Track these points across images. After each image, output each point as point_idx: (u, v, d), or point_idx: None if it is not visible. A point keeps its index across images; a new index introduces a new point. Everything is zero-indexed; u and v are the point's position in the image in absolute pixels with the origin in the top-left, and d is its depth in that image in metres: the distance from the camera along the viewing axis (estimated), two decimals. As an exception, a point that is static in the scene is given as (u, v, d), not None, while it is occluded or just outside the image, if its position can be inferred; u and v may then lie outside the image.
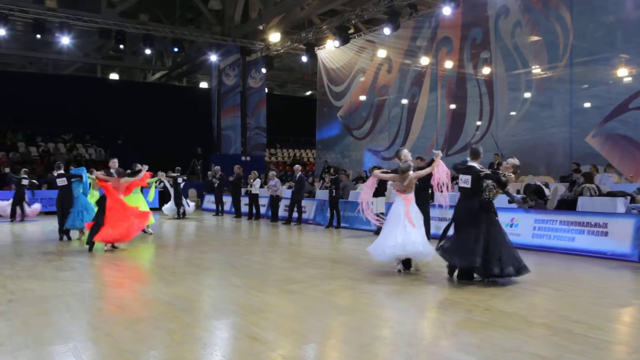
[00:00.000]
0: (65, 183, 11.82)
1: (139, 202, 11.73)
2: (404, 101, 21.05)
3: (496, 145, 16.50)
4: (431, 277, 7.48)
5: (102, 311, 5.66)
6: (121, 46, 22.93)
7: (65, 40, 20.78)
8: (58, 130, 28.08)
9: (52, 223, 16.25)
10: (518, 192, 11.51)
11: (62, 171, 12.16)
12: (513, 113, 16.96)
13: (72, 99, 26.97)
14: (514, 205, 10.13)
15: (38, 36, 20.52)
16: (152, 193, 15.82)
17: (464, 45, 18.34)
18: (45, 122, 27.24)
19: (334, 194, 14.57)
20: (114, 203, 9.79)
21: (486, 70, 17.77)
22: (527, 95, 16.63)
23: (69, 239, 11.77)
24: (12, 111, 25.89)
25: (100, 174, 10.57)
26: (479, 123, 17.97)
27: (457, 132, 18.60)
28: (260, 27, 24.62)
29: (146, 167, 11.11)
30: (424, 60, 20.12)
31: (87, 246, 9.90)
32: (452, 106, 18.99)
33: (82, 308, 5.79)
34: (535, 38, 16.28)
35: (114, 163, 11.26)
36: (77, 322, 5.22)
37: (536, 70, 16.38)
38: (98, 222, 9.69)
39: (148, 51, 23.50)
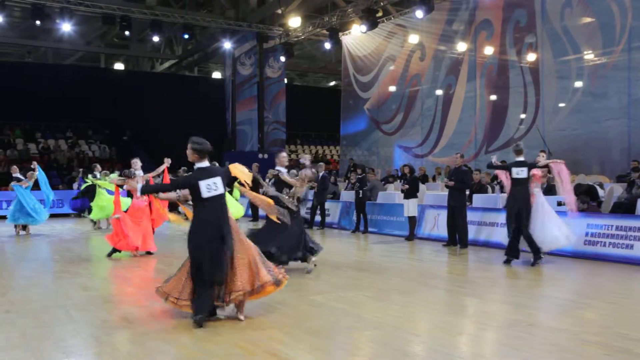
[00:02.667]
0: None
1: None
2: (439, 92, 20.93)
3: (543, 141, 16.29)
4: (469, 287, 7.43)
5: (107, 323, 5.74)
6: (126, 33, 23.22)
7: (66, 27, 21.12)
8: (59, 126, 28.58)
9: (53, 227, 16.56)
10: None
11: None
12: (562, 104, 16.73)
13: (73, 91, 27.40)
14: (564, 208, 10.00)
15: (37, 23, 20.86)
16: None
17: (506, 28, 18.15)
18: (45, 117, 27.74)
19: (360, 196, 14.54)
20: (129, 208, 10.12)
21: (531, 57, 17.56)
22: (578, 84, 16.39)
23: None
24: (10, 105, 26.41)
25: (116, 179, 10.71)
26: (523, 116, 17.77)
27: (498, 126, 18.42)
28: (279, 11, 24.70)
29: (168, 162, 11.03)
30: (461, 46, 19.98)
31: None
32: (493, 97, 18.81)
33: (86, 319, 5.88)
34: (588, 19, 16.03)
35: (136, 163, 11.44)
36: (80, 334, 5.31)
37: (589, 56, 16.14)
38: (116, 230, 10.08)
39: (156, 38, 23.75)
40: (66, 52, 31.68)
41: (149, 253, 10.44)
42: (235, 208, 14.80)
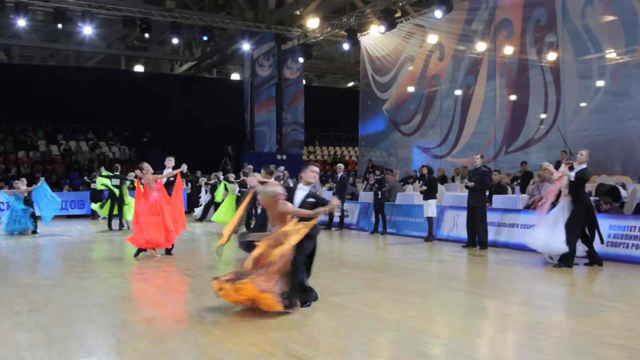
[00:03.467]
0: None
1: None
2: (458, 92, 20.80)
3: (564, 141, 16.12)
4: (489, 289, 7.38)
5: (128, 323, 5.79)
6: (146, 35, 23.44)
7: (87, 30, 21.40)
8: (80, 127, 28.94)
9: (74, 227, 16.76)
10: (590, 193, 11.21)
11: None
12: (583, 104, 16.53)
13: (94, 93, 27.73)
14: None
15: (59, 26, 21.19)
16: None
17: (526, 28, 17.99)
18: (66, 119, 28.11)
19: (379, 197, 14.51)
20: (144, 205, 10.08)
21: (552, 56, 17.38)
22: (600, 83, 16.17)
23: None
24: (33, 107, 26.82)
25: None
26: (543, 116, 17.60)
27: (518, 126, 18.26)
28: (297, 12, 24.76)
29: (184, 167, 11.01)
30: (481, 46, 19.83)
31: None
32: (513, 97, 18.65)
33: (107, 319, 5.94)
34: (610, 18, 15.82)
35: (170, 161, 11.54)
36: (101, 334, 5.37)
37: (611, 54, 15.92)
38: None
39: (175, 40, 23.93)
40: (87, 55, 32.07)
41: (168, 253, 10.47)
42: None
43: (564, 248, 8.71)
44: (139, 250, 10.23)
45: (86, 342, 5.07)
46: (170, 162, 11.08)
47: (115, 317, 6.06)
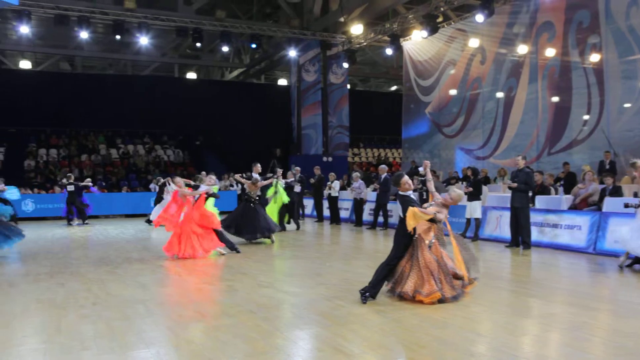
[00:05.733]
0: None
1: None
2: (500, 94, 20.42)
3: (608, 142, 15.64)
4: (533, 288, 7.22)
5: (182, 317, 5.90)
6: (198, 44, 23.90)
7: (143, 40, 21.94)
8: (137, 132, 29.66)
9: (131, 226, 17.16)
10: (635, 194, 10.84)
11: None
12: (628, 105, 15.98)
13: (150, 100, 28.41)
14: (631, 210, 9.56)
15: (118, 37, 21.79)
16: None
17: (569, 29, 17.52)
18: (124, 124, 28.86)
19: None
20: (185, 217, 10.34)
21: (595, 57, 16.87)
22: (645, 84, 15.62)
23: None
24: (94, 113, 27.65)
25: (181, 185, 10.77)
26: (586, 117, 17.10)
27: (560, 127, 17.80)
28: (342, 19, 24.78)
29: (211, 189, 11.07)
30: (522, 49, 19.42)
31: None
32: (555, 99, 18.19)
33: (163, 313, 6.07)
34: (655, 18, 15.27)
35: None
36: (158, 327, 5.49)
37: (656, 55, 15.36)
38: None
39: (225, 48, 24.28)
40: (143, 64, 32.84)
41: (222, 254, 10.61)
42: None
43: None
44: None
45: (145, 335, 5.18)
46: (210, 180, 11.26)
47: (171, 312, 6.18)
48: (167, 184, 10.75)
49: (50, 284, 7.78)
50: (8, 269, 9.18)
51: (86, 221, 18.28)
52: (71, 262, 10.07)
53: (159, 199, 17.59)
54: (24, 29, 20.55)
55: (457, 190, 6.83)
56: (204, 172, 11.74)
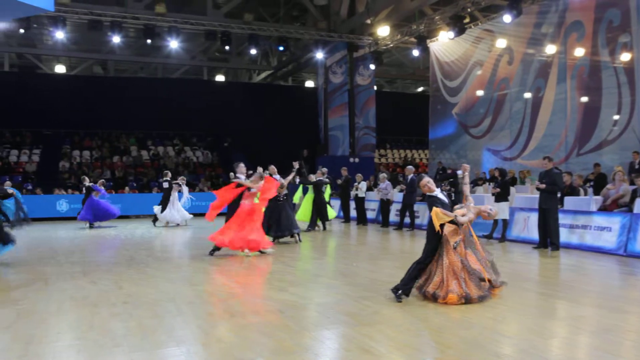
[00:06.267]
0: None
1: None
2: (527, 95, 20.15)
3: (639, 142, 15.32)
4: (562, 290, 7.10)
5: (211, 316, 5.96)
6: (227, 47, 24.08)
7: (173, 44, 22.21)
8: (167, 134, 30.04)
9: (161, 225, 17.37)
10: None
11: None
12: (660, 105, 15.64)
13: (180, 102, 28.74)
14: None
15: (148, 41, 22.11)
16: None
17: (598, 29, 17.20)
18: (155, 126, 29.24)
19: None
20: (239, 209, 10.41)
21: (625, 57, 16.53)
22: (678, 83, 15.26)
23: None
24: (126, 115, 28.08)
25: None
26: (616, 117, 16.77)
27: (590, 128, 17.48)
28: (368, 21, 24.72)
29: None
30: (550, 49, 19.12)
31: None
32: (584, 99, 17.88)
33: (193, 312, 6.13)
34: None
35: (272, 168, 12.13)
36: (188, 326, 5.55)
37: (689, 53, 14.99)
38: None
39: (253, 51, 24.42)
40: (173, 67, 33.23)
41: (262, 252, 10.68)
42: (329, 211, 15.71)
43: None
44: (216, 248, 10.49)
45: (174, 333, 5.25)
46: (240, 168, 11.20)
47: (200, 310, 6.24)
48: (180, 185, 10.93)
49: (84, 282, 7.94)
50: (44, 268, 9.38)
51: (95, 224, 17.63)
52: (103, 261, 10.25)
53: (166, 199, 17.84)
54: (59, 35, 20.99)
55: (495, 209, 6.87)
56: (260, 169, 11.60)
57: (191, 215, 17.99)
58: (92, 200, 17.46)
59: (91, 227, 17.45)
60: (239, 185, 10.55)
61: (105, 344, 4.93)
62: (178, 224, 17.61)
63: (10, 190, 10.70)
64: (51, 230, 16.60)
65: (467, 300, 6.17)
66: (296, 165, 13.33)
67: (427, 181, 6.56)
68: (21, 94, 26.88)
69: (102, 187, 18.13)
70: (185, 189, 17.96)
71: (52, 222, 18.00)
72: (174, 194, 17.65)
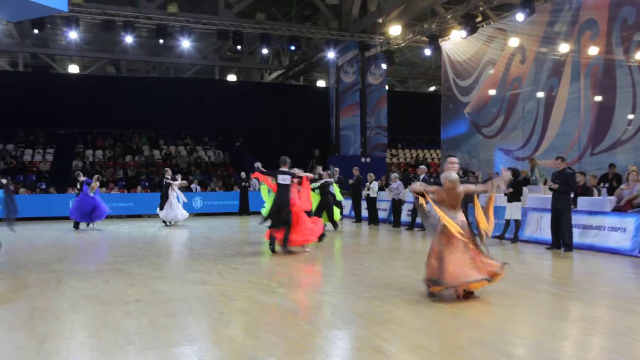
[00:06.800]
0: None
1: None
2: (540, 94, 20.01)
3: (654, 142, 15.18)
4: (575, 291, 7.05)
5: (223, 315, 5.98)
6: (238, 47, 24.19)
7: (185, 43, 22.34)
8: (179, 133, 30.17)
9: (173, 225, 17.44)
10: None
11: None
12: (675, 104, 15.48)
13: (191, 101, 28.88)
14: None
15: (161, 41, 22.23)
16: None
17: (612, 27, 17.05)
18: (167, 125, 29.38)
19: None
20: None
21: (640, 55, 16.38)
22: (693, 82, 15.09)
23: None
24: (138, 115, 28.25)
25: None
26: (631, 116, 16.61)
27: (604, 127, 17.32)
28: (380, 21, 24.69)
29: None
30: (564, 48, 18.98)
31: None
32: (598, 98, 17.73)
33: (205, 311, 6.16)
34: None
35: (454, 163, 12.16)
36: (200, 324, 5.57)
37: None
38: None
39: (265, 50, 24.49)
40: (185, 66, 33.40)
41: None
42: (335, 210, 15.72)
43: None
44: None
45: (187, 332, 5.28)
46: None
47: (212, 310, 6.26)
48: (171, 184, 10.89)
49: (97, 280, 7.99)
50: (57, 266, 9.46)
51: (91, 225, 16.82)
52: (115, 259, 10.31)
53: (164, 198, 17.76)
54: (73, 35, 21.18)
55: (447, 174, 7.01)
56: (297, 169, 11.72)
57: (187, 214, 18.03)
58: (81, 197, 16.53)
59: (76, 227, 16.74)
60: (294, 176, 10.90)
61: (118, 341, 4.97)
62: (176, 222, 17.67)
63: (4, 181, 10.24)
64: (65, 230, 16.72)
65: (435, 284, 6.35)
66: (319, 170, 13.41)
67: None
68: (35, 94, 27.15)
69: (98, 182, 17.28)
70: (177, 187, 17.75)
71: (65, 222, 18.10)
72: (172, 193, 17.64)
